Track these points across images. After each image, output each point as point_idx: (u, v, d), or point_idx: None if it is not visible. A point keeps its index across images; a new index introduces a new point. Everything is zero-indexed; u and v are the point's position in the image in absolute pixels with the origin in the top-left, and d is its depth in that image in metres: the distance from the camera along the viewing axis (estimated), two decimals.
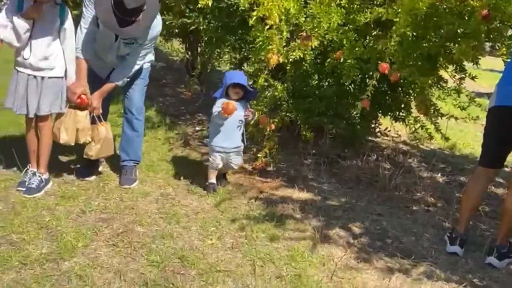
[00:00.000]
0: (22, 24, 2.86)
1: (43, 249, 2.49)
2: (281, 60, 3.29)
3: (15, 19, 2.85)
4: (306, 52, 3.33)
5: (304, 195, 3.49)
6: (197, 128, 4.96)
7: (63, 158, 3.71)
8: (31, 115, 3.10)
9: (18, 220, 2.74)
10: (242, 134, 3.45)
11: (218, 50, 4.42)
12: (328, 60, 3.63)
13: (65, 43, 3.07)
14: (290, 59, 3.37)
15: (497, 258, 2.74)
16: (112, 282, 2.28)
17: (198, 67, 4.78)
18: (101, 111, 3.20)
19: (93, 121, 3.20)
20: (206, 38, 4.37)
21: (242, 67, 5.08)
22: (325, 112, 4.10)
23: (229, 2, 3.81)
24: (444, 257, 2.81)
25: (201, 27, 4.16)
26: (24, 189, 3.10)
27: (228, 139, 3.37)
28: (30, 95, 3.06)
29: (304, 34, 3.36)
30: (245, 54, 4.51)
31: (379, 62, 3.16)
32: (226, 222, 2.98)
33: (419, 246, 2.91)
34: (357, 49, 3.40)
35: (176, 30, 5.66)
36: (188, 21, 4.07)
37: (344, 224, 3.10)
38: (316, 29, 3.33)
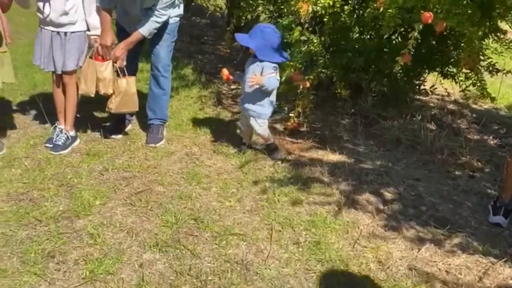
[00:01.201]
0: None
1: (60, 206, 2.50)
2: (310, 9, 3.03)
3: None
4: (336, 0, 3.03)
5: (335, 157, 3.29)
6: (232, 87, 4.80)
7: (92, 116, 3.70)
8: (59, 72, 3.08)
9: (41, 177, 2.76)
10: (261, 97, 3.08)
11: (251, 2, 4.17)
12: (368, 10, 3.31)
13: None
14: (319, 8, 3.09)
15: None
16: (123, 242, 2.24)
17: (234, 22, 4.57)
18: (124, 63, 3.10)
19: (117, 74, 3.12)
20: None
21: (279, 20, 4.81)
22: (365, 68, 3.80)
23: None
24: (485, 228, 2.55)
25: None
26: (51, 145, 3.12)
27: (242, 97, 3.19)
28: (56, 51, 3.02)
29: None
30: (280, 6, 4.22)
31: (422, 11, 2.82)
32: (248, 184, 2.85)
33: (457, 215, 2.66)
34: None
35: None
36: None
37: (376, 189, 2.88)
38: None
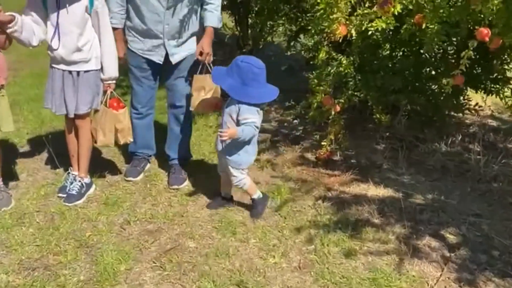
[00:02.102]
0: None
1: (81, 275, 2.16)
2: (353, 32, 2.73)
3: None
4: (389, 23, 2.71)
5: (381, 191, 2.94)
6: None
7: (107, 157, 3.37)
8: (71, 115, 2.75)
9: (56, 236, 2.43)
10: (238, 145, 2.54)
11: (271, 23, 3.87)
12: (405, 26, 2.99)
13: (99, 28, 2.64)
14: (371, 31, 2.77)
15: None
16: None
17: (249, 43, 4.29)
18: (211, 58, 2.76)
19: (201, 71, 2.77)
20: (256, 9, 3.85)
21: (299, 39, 4.52)
22: (402, 88, 3.47)
23: None
24: None
25: None
26: (64, 195, 2.80)
27: (216, 139, 2.64)
28: (67, 93, 2.71)
29: None
30: (302, 24, 3.93)
31: (475, 26, 2.51)
32: (290, 232, 2.51)
33: None
34: (441, 10, 2.74)
35: (224, 2, 5.19)
36: None
37: (435, 230, 2.54)
38: None
